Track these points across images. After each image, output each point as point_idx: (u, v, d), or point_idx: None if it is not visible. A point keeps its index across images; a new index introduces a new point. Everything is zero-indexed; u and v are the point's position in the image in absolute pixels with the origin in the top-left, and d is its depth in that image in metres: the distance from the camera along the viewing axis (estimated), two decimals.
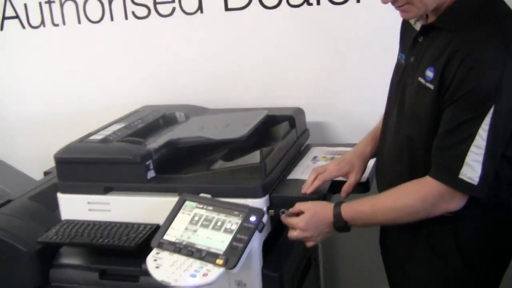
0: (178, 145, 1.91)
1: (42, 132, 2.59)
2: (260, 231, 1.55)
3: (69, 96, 2.61)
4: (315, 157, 2.01)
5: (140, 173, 1.77)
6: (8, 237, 1.81)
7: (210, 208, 1.63)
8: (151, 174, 1.79)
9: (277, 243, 1.78)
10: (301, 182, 1.76)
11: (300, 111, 2.17)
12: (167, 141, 1.88)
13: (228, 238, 1.54)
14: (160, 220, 1.69)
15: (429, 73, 1.42)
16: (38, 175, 2.32)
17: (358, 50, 2.21)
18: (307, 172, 1.83)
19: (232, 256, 1.50)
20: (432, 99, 1.41)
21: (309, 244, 1.63)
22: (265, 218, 1.57)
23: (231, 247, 1.52)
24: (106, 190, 1.81)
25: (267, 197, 1.69)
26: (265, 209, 1.67)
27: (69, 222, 1.84)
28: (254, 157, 1.74)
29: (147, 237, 1.68)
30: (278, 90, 2.33)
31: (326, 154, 2.03)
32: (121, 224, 1.78)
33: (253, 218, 1.55)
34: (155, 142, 1.89)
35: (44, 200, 2.00)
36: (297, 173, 1.86)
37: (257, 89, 2.36)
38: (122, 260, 1.77)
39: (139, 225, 1.76)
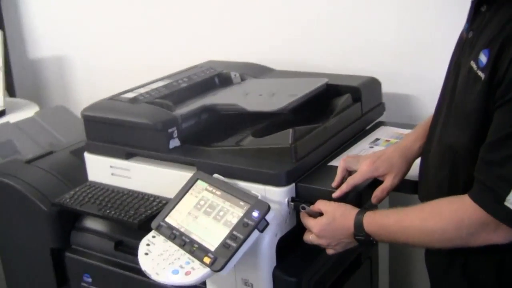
0: (213, 112, 1.69)
1: (109, 80, 2.49)
2: (261, 231, 1.29)
3: (142, 44, 2.47)
4: (376, 140, 1.68)
5: (162, 141, 1.57)
6: (33, 193, 1.73)
7: (219, 193, 1.40)
8: (174, 143, 1.58)
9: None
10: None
11: (372, 82, 1.82)
12: (199, 107, 1.66)
13: (224, 233, 1.30)
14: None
15: (483, 57, 1.05)
16: None
17: (454, 9, 1.78)
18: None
19: (221, 257, 1.26)
20: (482, 93, 1.04)
21: (329, 251, 1.35)
22: (270, 215, 1.30)
23: (223, 245, 1.28)
24: (128, 156, 1.64)
25: (292, 186, 1.42)
26: (286, 200, 1.41)
27: (91, 185, 1.71)
28: (285, 137, 1.46)
29: (155, 214, 1.50)
30: (359, 54, 1.99)
31: (392, 136, 1.69)
32: (138, 194, 1.62)
33: (255, 214, 1.29)
34: (187, 107, 1.67)
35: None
36: None
37: (336, 51, 2.03)
38: (140, 232, 1.61)
39: (155, 198, 1.59)
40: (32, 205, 1.71)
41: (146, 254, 1.36)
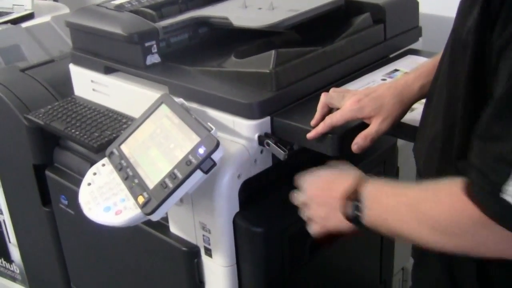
0: (205, 27, 1.46)
1: None
2: (206, 172, 1.07)
3: None
4: (394, 71, 1.38)
5: (138, 56, 1.37)
6: (17, 105, 1.60)
7: (176, 121, 1.19)
8: (153, 59, 1.38)
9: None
10: None
11: (405, 0, 1.50)
12: (187, 19, 1.43)
13: (167, 170, 1.10)
14: None
15: None
16: None
17: None
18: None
19: (154, 198, 1.07)
20: (475, 27, 0.77)
21: (314, 228, 1.04)
22: (219, 154, 1.07)
23: (161, 185, 1.08)
24: (107, 70, 1.47)
25: (266, 120, 1.19)
26: (256, 136, 1.18)
27: (72, 100, 1.56)
28: (266, 60, 1.22)
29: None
30: None
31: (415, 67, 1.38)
32: (113, 114, 1.45)
33: (201, 151, 1.08)
34: (174, 18, 1.45)
35: None
36: None
37: None
38: None
39: (128, 120, 1.41)
40: (14, 118, 1.59)
41: (89, 184, 1.20)
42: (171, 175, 1.08)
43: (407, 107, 1.08)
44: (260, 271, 1.23)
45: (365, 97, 1.08)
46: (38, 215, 1.70)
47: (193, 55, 1.42)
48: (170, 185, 1.06)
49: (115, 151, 1.23)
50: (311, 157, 1.22)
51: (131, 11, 1.45)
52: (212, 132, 1.10)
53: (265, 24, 1.29)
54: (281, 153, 1.14)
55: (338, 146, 1.11)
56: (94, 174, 1.22)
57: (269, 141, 1.16)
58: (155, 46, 1.37)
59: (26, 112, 1.57)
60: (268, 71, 1.20)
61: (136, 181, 1.13)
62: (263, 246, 1.20)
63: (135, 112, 1.40)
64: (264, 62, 1.21)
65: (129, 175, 1.15)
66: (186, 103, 1.23)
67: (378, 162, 1.42)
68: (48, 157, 1.60)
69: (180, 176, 1.06)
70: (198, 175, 1.06)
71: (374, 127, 1.06)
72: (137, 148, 1.20)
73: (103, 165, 1.23)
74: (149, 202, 1.07)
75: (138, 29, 1.36)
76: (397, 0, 1.47)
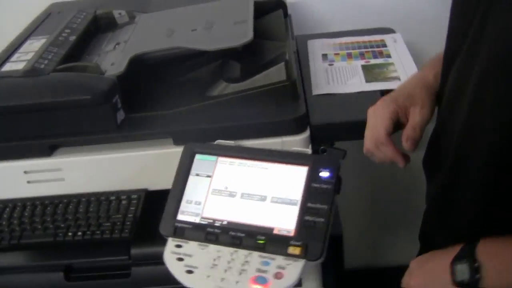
0: (145, 63, 1.28)
1: None
2: (338, 192, 1.02)
3: None
4: (324, 56, 1.47)
5: (107, 116, 1.13)
6: None
7: (244, 162, 1.06)
8: (120, 116, 1.16)
9: None
10: (343, 96, 1.28)
11: None
12: (129, 60, 1.22)
13: (291, 210, 1.00)
14: (147, 183, 1.13)
15: None
16: None
17: None
18: (335, 81, 1.33)
19: (312, 240, 0.97)
20: None
21: None
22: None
23: (303, 225, 0.98)
24: (52, 149, 1.16)
25: (308, 130, 1.16)
26: (310, 147, 1.15)
27: (6, 206, 1.17)
28: (277, 72, 1.17)
29: (142, 216, 1.10)
30: None
31: (334, 49, 1.50)
32: (89, 197, 1.16)
33: (324, 174, 1.01)
34: (111, 65, 1.23)
35: None
36: (321, 85, 1.33)
37: None
38: (93, 248, 1.15)
39: (118, 194, 1.16)
40: None
41: (190, 272, 0.98)
42: (309, 210, 0.98)
43: (433, 97, 1.02)
44: None
45: (397, 93, 1.05)
46: None
47: (145, 99, 1.24)
48: (319, 219, 0.97)
49: (179, 225, 1.03)
50: None
51: (59, 71, 1.17)
52: (312, 153, 1.04)
53: (243, 40, 1.20)
54: (341, 153, 1.14)
55: None
56: (181, 259, 0.99)
57: (325, 147, 1.14)
58: (118, 100, 1.16)
59: None
60: (288, 82, 1.16)
61: (262, 238, 0.98)
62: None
63: (115, 185, 1.17)
64: (276, 74, 1.16)
65: (240, 237, 0.98)
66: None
67: None
68: None
69: (323, 206, 0.98)
70: (335, 198, 1.01)
71: (417, 115, 1.00)
72: (209, 209, 1.03)
73: (178, 246, 1.01)
74: (309, 247, 0.95)
75: (100, 87, 1.12)
76: None
